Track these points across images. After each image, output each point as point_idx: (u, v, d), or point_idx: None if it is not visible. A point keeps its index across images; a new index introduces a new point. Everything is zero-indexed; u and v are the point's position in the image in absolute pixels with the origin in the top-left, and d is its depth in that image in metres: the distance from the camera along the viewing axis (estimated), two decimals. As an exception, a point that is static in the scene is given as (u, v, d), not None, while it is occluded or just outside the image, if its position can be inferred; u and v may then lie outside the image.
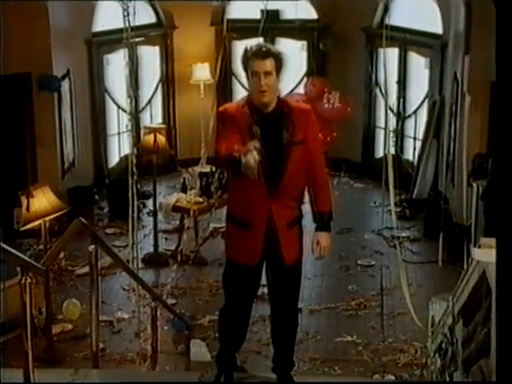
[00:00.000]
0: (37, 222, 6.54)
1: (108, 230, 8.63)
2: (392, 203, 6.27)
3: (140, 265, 6.80)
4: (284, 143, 3.98)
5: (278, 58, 3.95)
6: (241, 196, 4.06)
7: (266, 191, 3.95)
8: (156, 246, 8.01)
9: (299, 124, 4.00)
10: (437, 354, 4.75)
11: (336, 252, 8.10)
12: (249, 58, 3.94)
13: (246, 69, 3.97)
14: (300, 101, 4.25)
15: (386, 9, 9.58)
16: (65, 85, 8.82)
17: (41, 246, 6.86)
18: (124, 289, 7.17)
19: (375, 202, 9.57)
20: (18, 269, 3.80)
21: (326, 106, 10.03)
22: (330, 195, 4.19)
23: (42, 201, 6.61)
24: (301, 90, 10.56)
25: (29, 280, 3.79)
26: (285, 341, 4.33)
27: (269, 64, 3.91)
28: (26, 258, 4.07)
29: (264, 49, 3.95)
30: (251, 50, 3.98)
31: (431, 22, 9.43)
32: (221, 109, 4.12)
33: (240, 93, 10.99)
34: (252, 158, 3.76)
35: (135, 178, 5.82)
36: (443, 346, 4.20)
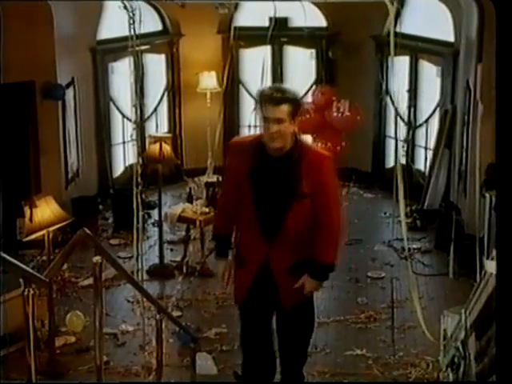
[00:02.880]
0: (40, 233, 6.54)
1: (112, 241, 8.63)
2: (402, 214, 6.26)
3: (145, 276, 6.81)
4: (287, 195, 3.90)
5: (293, 103, 3.83)
6: (243, 233, 4.17)
7: (262, 238, 3.99)
8: (161, 257, 8.01)
9: (310, 174, 3.86)
10: (449, 369, 4.73)
11: (345, 264, 8.08)
12: (261, 101, 3.87)
13: (260, 110, 3.91)
14: (320, 148, 4.22)
15: (397, 17, 9.60)
16: (69, 93, 8.85)
17: (44, 257, 6.87)
18: (128, 301, 7.16)
19: (385, 213, 9.55)
20: (21, 280, 3.81)
21: (335, 114, 10.05)
22: (335, 247, 4.08)
23: (46, 211, 6.62)
24: (309, 98, 10.59)
25: (32, 292, 3.79)
26: (292, 370, 4.49)
27: (282, 110, 3.80)
28: (28, 269, 4.07)
29: (278, 94, 3.81)
30: (265, 93, 3.88)
31: (443, 29, 9.44)
32: (233, 141, 4.21)
33: (247, 101, 11.03)
34: (221, 268, 4.12)
35: (140, 187, 5.83)
36: (455, 360, 4.18)
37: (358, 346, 6.41)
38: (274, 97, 3.82)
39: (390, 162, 10.33)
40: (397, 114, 9.63)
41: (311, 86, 10.79)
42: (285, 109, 3.81)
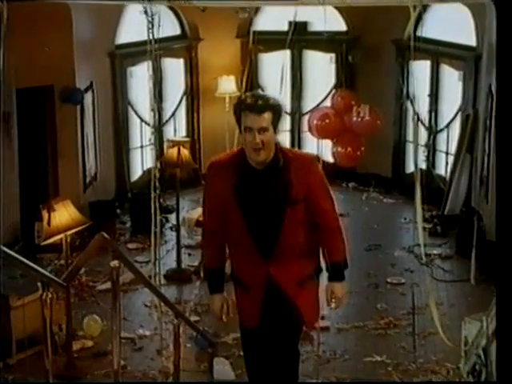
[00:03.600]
0: (58, 237, 6.59)
1: (130, 245, 8.66)
2: (420, 219, 6.24)
3: (162, 281, 6.83)
4: (278, 205, 3.70)
5: (276, 111, 3.64)
6: (238, 257, 3.93)
7: (259, 256, 3.77)
8: (179, 261, 8.03)
9: (298, 179, 3.69)
10: (470, 376, 4.70)
11: (364, 269, 8.08)
12: (242, 110, 3.63)
13: (238, 121, 3.68)
14: (304, 152, 4.18)
15: (418, 21, 9.58)
16: (87, 97, 8.92)
17: (62, 261, 6.92)
18: (146, 305, 7.18)
19: (405, 218, 9.52)
20: (39, 284, 3.84)
21: (355, 119, 10.04)
22: (342, 243, 3.95)
23: (64, 215, 6.66)
24: (328, 103, 10.59)
25: (49, 296, 3.82)
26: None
27: (265, 119, 3.59)
28: (47, 273, 4.11)
29: (260, 102, 3.59)
30: (245, 101, 3.65)
31: (465, 33, 9.40)
32: (211, 162, 3.87)
33: (266, 106, 11.04)
34: (217, 305, 3.92)
35: (158, 192, 5.86)
36: (477, 367, 4.18)
37: (377, 353, 6.38)
38: (257, 105, 3.60)
39: (411, 167, 10.28)
40: (417, 118, 9.59)
41: (331, 91, 10.79)
42: (268, 117, 3.61)
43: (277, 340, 3.94)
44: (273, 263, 3.77)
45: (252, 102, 3.62)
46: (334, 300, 3.95)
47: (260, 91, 3.98)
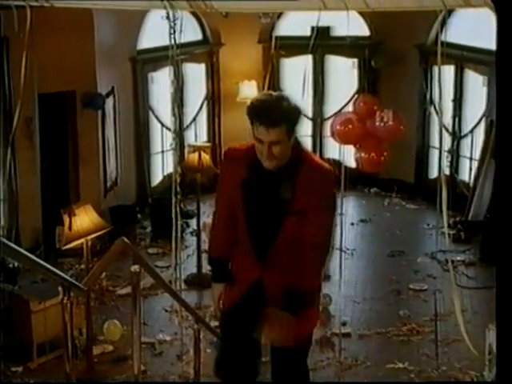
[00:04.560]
0: (79, 241, 6.63)
1: (150, 250, 8.70)
2: (445, 225, 6.20)
3: (183, 286, 6.85)
4: (278, 211, 3.50)
5: (291, 121, 3.32)
6: (236, 253, 3.79)
7: (255, 257, 3.62)
8: (199, 266, 8.05)
9: (304, 189, 3.43)
10: None
11: (387, 275, 8.06)
12: (254, 121, 3.34)
13: (252, 124, 3.39)
14: (323, 161, 3.63)
15: (443, 25, 9.55)
16: (109, 102, 8.97)
17: (82, 266, 6.96)
18: (166, 310, 7.21)
19: (428, 224, 9.48)
20: (60, 288, 3.86)
21: (378, 124, 10.01)
22: (310, 272, 3.54)
23: (84, 219, 6.71)
24: (350, 108, 10.57)
25: (70, 300, 3.84)
26: None
27: (278, 133, 3.29)
28: (67, 277, 4.13)
29: (273, 115, 3.25)
30: (256, 112, 3.31)
31: (489, 38, 9.34)
32: (228, 150, 3.71)
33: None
34: (218, 293, 3.81)
35: (179, 197, 5.87)
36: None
37: (399, 359, 6.36)
38: (270, 118, 3.26)
39: (434, 173, 10.25)
40: (441, 124, 9.55)
41: (353, 96, 10.77)
42: (282, 130, 3.29)
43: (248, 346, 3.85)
44: (266, 269, 3.61)
45: (264, 115, 3.28)
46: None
47: (278, 93, 3.51)
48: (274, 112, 3.27)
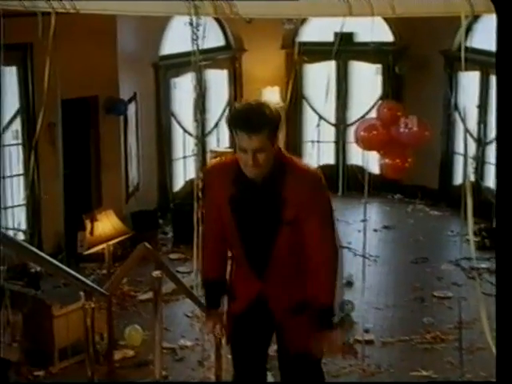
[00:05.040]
0: (100, 246, 6.68)
1: (172, 256, 8.73)
2: (470, 232, 6.15)
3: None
4: (271, 222, 3.38)
5: (273, 126, 3.23)
6: (234, 270, 3.69)
7: (252, 273, 3.50)
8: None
9: (295, 195, 3.31)
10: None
11: (410, 283, 8.03)
12: (235, 129, 3.25)
13: (233, 134, 3.31)
14: (307, 165, 3.58)
15: (468, 31, 9.52)
16: (131, 108, 9.03)
17: (104, 271, 7.00)
18: (187, 316, 7.22)
19: (452, 231, 9.43)
20: (81, 293, 3.88)
21: (403, 130, 9.98)
22: (327, 284, 3.42)
23: (106, 225, 6.76)
24: (374, 114, 10.55)
25: (92, 305, 3.86)
26: None
27: (261, 139, 3.19)
28: (89, 282, 4.15)
29: (254, 120, 3.17)
30: (237, 118, 3.26)
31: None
32: (207, 169, 3.66)
33: (310, 117, 11.06)
34: (211, 323, 3.66)
35: (200, 202, 5.88)
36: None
37: (423, 367, 6.32)
38: (251, 124, 3.17)
39: (458, 179, 10.20)
40: (466, 130, 9.50)
41: (376, 102, 10.74)
42: (264, 135, 3.20)
43: (253, 355, 3.79)
44: (266, 283, 3.49)
45: (245, 121, 3.20)
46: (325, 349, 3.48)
47: (256, 101, 3.50)
48: (255, 118, 3.19)
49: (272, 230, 3.39)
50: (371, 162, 9.03)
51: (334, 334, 3.48)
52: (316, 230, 3.38)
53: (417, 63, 10.47)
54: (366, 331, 6.82)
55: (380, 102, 10.67)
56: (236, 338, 3.78)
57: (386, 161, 10.07)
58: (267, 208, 3.38)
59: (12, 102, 7.92)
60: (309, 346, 3.53)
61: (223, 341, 5.03)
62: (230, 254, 3.68)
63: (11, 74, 7.83)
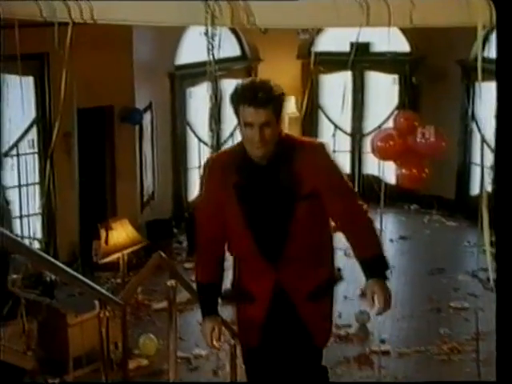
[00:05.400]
0: (115, 256, 6.71)
1: (186, 265, 8.73)
2: (487, 243, 6.13)
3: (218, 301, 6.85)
4: (284, 202, 3.25)
5: (279, 101, 3.21)
6: (242, 266, 3.49)
7: (265, 262, 3.32)
8: (235, 281, 8.05)
9: (306, 171, 3.24)
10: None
11: (426, 293, 8.01)
12: (240, 103, 3.19)
13: (236, 113, 3.23)
14: (310, 139, 3.52)
15: (485, 41, 9.50)
16: (146, 117, 9.08)
17: (118, 280, 7.03)
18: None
19: (469, 242, 9.39)
20: (96, 302, 3.90)
21: (420, 140, 9.97)
22: (374, 237, 3.37)
23: (121, 234, 6.79)
24: (390, 124, 10.54)
25: (107, 314, 3.88)
26: None
27: (268, 113, 3.15)
28: (104, 291, 4.17)
29: (261, 94, 3.14)
30: (243, 93, 3.19)
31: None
32: (207, 160, 3.50)
33: (326, 126, 11.08)
34: (209, 329, 3.40)
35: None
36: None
37: (440, 378, 6.30)
38: (258, 98, 3.14)
39: (475, 190, 10.16)
40: (483, 140, 9.47)
41: (392, 112, 10.74)
42: (271, 109, 3.16)
43: (282, 362, 3.48)
44: (281, 269, 3.32)
45: (252, 95, 3.15)
46: (377, 302, 3.27)
47: (255, 78, 3.72)
48: (262, 92, 3.15)
49: (286, 209, 3.26)
50: (387, 171, 9.03)
51: (384, 285, 3.27)
52: (342, 193, 3.31)
53: (433, 73, 10.47)
54: (382, 342, 6.80)
55: (396, 111, 10.68)
56: (266, 351, 3.48)
57: (403, 171, 10.06)
58: (278, 187, 3.26)
59: (28, 112, 7.99)
60: (328, 331, 3.46)
61: (237, 350, 5.06)
62: (233, 253, 3.48)
63: (28, 83, 7.89)
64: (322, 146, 3.34)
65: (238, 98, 3.19)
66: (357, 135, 11.12)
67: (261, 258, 3.33)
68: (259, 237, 3.31)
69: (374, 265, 3.30)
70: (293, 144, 3.30)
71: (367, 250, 3.31)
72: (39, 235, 8.20)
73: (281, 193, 3.26)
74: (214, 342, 3.49)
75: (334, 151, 10.81)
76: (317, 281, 3.37)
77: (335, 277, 3.52)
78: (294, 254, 3.30)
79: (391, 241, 9.46)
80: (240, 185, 3.29)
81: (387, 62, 10.06)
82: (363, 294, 7.61)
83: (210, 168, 3.40)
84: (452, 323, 7.41)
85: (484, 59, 5.86)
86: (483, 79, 5.72)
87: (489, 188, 9.20)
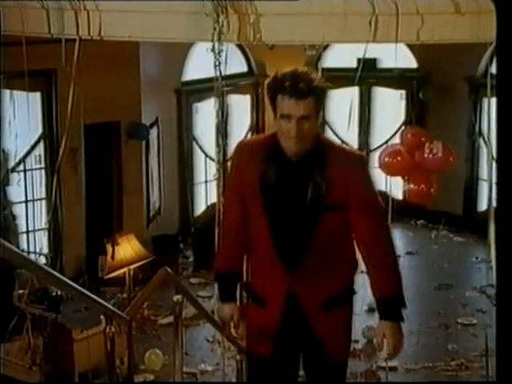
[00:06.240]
0: (121, 271, 6.74)
1: (192, 280, 8.77)
2: (494, 259, 6.15)
3: (225, 316, 6.87)
4: (310, 206, 3.04)
5: (321, 95, 3.00)
6: (256, 265, 3.28)
7: (281, 267, 3.11)
8: (242, 297, 8.07)
9: (340, 180, 3.03)
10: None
11: (434, 309, 8.00)
12: (279, 93, 2.98)
13: (273, 104, 3.03)
14: (352, 148, 3.38)
15: (493, 57, 9.53)
16: (153, 133, 9.13)
17: (124, 295, 7.05)
18: (208, 340, 7.24)
19: (477, 258, 9.39)
20: (102, 317, 3.92)
21: (427, 155, 9.99)
22: (395, 274, 3.18)
23: (127, 249, 6.82)
24: (397, 139, 10.57)
25: (112, 329, 3.90)
26: None
27: (308, 105, 2.95)
28: (110, 306, 4.19)
29: (302, 84, 2.93)
30: (282, 81, 2.97)
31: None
32: (238, 144, 3.25)
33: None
34: (228, 313, 3.21)
35: (221, 227, 5.91)
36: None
37: (447, 395, 6.30)
38: (299, 88, 2.92)
39: (483, 205, 10.16)
40: (491, 155, 9.48)
41: (399, 127, 10.78)
42: (311, 102, 2.94)
43: (295, 376, 3.30)
44: (297, 278, 3.11)
45: (292, 85, 2.93)
46: (386, 346, 3.15)
47: (297, 68, 3.05)
48: (304, 81, 2.95)
49: (311, 216, 3.05)
50: (394, 187, 9.05)
51: (398, 328, 3.16)
52: (369, 214, 3.09)
53: (441, 89, 10.51)
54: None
55: (403, 127, 10.72)
56: (279, 363, 3.29)
57: (411, 186, 10.08)
58: (307, 191, 3.04)
59: (35, 127, 8.06)
60: (345, 345, 3.29)
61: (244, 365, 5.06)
62: (251, 248, 3.27)
63: (35, 99, 7.96)
64: (361, 158, 3.17)
65: (276, 87, 2.99)
66: (364, 151, 11.13)
67: (277, 261, 3.13)
68: (278, 239, 3.11)
69: (390, 305, 3.16)
70: (331, 148, 3.11)
71: (385, 289, 3.16)
72: (46, 250, 8.23)
73: (307, 196, 3.05)
74: (233, 330, 3.40)
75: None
76: (329, 294, 3.17)
77: (353, 292, 3.31)
78: (312, 265, 3.11)
79: (398, 256, 9.43)
80: (266, 175, 3.07)
81: (394, 78, 10.11)
82: (370, 310, 7.63)
83: (239, 152, 3.21)
84: (460, 339, 7.40)
85: (492, 76, 5.91)
86: (492, 95, 5.77)
87: (496, 203, 9.29)
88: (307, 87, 2.93)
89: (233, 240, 3.30)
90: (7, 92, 7.20)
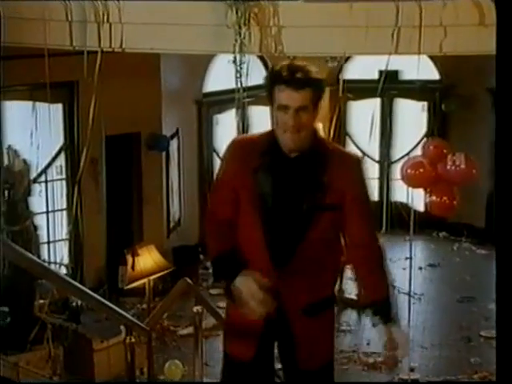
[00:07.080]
0: (141, 281, 6.80)
1: (212, 291, 8.77)
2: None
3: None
4: (305, 205, 3.01)
5: (318, 86, 2.99)
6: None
7: (270, 265, 3.03)
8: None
9: (336, 181, 3.02)
10: None
11: (456, 322, 7.99)
12: (276, 84, 2.97)
13: (270, 96, 3.02)
14: (348, 150, 3.38)
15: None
16: (173, 144, 9.20)
17: (144, 305, 7.10)
18: (228, 352, 7.26)
19: (500, 271, 9.38)
20: (122, 328, 3.97)
21: (450, 167, 9.97)
22: (381, 278, 3.12)
23: (148, 259, 6.89)
24: (418, 151, 10.58)
25: (132, 339, 3.95)
26: None
27: (305, 96, 2.95)
28: (130, 317, 4.25)
29: (300, 75, 2.93)
30: (279, 72, 2.97)
31: None
32: (233, 140, 3.21)
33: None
34: (246, 288, 2.91)
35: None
36: None
37: (470, 408, 6.29)
38: (296, 78, 2.91)
39: (506, 218, 10.16)
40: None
41: (421, 139, 10.79)
42: (309, 93, 2.93)
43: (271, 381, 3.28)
44: (284, 279, 3.04)
45: (290, 75, 2.93)
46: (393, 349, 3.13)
47: (294, 60, 3.28)
48: (302, 71, 2.95)
49: (305, 215, 3.02)
50: (416, 198, 9.05)
51: (401, 331, 3.15)
52: (363, 220, 3.10)
53: (463, 101, 10.51)
54: (412, 370, 6.80)
55: (425, 139, 10.72)
56: (260, 367, 3.24)
57: (434, 198, 10.07)
58: (302, 189, 3.02)
59: (57, 138, 8.17)
60: (326, 352, 3.22)
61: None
62: (239, 245, 3.10)
63: (57, 110, 8.07)
64: (358, 160, 3.16)
65: (274, 78, 2.99)
66: (385, 162, 11.17)
67: (266, 260, 3.04)
68: (271, 234, 3.04)
69: (385, 308, 3.13)
70: (328, 147, 3.11)
71: (380, 290, 3.12)
72: (66, 261, 8.31)
73: (303, 195, 3.02)
74: (257, 305, 2.94)
75: (362, 178, 10.86)
76: (312, 298, 3.12)
77: (335, 299, 3.27)
78: (300, 265, 3.05)
79: (420, 268, 9.47)
80: (261, 170, 3.02)
81: (416, 90, 10.14)
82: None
83: (231, 149, 3.16)
84: (483, 352, 7.37)
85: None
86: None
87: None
88: (304, 77, 2.94)
89: (224, 230, 3.13)
90: (30, 103, 7.34)
